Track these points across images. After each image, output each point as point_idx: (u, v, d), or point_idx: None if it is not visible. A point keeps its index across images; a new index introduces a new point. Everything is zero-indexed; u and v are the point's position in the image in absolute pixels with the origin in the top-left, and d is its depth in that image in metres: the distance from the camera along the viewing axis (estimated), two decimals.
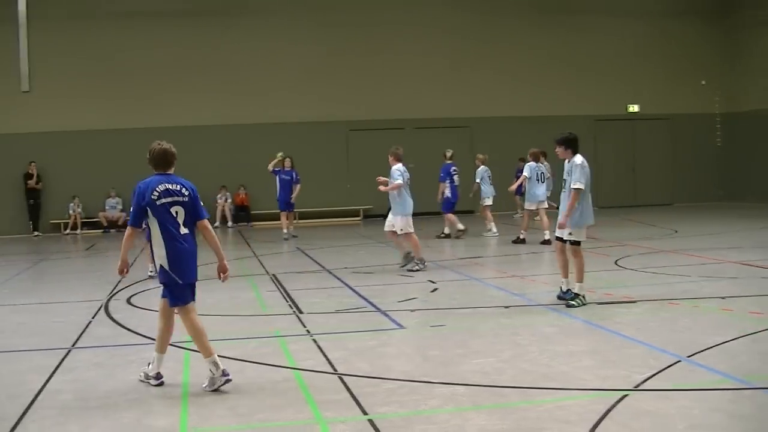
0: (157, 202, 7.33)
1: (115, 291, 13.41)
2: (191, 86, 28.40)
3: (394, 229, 14.85)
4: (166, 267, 7.36)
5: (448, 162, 20.41)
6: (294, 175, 22.78)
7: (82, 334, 10.10)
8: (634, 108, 31.28)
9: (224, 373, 7.25)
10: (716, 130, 31.54)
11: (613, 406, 6.38)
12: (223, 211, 28.23)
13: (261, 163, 24.04)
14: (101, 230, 27.77)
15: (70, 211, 27.82)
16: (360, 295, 12.17)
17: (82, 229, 27.68)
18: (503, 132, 28.94)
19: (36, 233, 27.54)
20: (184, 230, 7.41)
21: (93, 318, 11.10)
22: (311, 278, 14.49)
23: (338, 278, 14.01)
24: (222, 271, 7.61)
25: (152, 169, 7.57)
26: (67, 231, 27.72)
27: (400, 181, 14.66)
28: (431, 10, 29.62)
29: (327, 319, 10.65)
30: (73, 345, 9.45)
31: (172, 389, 7.37)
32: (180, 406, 6.88)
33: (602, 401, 6.50)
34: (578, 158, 10.83)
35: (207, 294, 13.16)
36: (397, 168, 14.82)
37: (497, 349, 8.51)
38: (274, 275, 14.84)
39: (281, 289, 13.13)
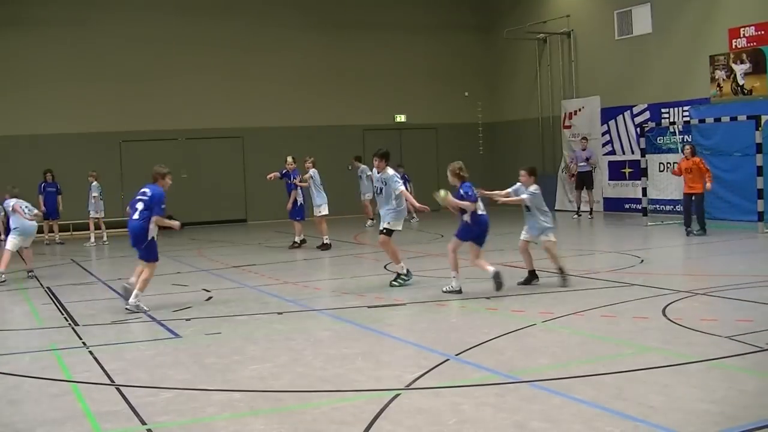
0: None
1: None
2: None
3: None
4: None
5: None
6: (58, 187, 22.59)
7: None
8: (401, 118, 32.03)
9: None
10: (479, 138, 32.88)
11: (387, 405, 6.61)
12: None
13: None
14: None
15: None
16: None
17: None
18: (276, 142, 28.51)
19: None
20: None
21: None
22: (86, 290, 14.13)
23: (113, 290, 13.65)
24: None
25: None
26: None
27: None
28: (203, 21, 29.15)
29: (103, 330, 10.40)
30: None
31: None
32: None
33: (376, 401, 6.71)
34: (390, 170, 13.32)
35: None
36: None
37: (273, 354, 8.62)
38: (48, 288, 14.31)
39: (56, 302, 12.74)
